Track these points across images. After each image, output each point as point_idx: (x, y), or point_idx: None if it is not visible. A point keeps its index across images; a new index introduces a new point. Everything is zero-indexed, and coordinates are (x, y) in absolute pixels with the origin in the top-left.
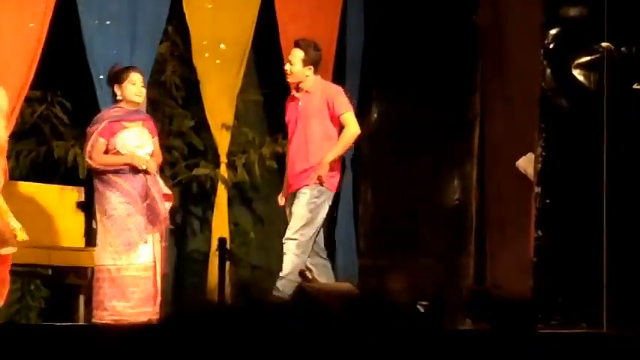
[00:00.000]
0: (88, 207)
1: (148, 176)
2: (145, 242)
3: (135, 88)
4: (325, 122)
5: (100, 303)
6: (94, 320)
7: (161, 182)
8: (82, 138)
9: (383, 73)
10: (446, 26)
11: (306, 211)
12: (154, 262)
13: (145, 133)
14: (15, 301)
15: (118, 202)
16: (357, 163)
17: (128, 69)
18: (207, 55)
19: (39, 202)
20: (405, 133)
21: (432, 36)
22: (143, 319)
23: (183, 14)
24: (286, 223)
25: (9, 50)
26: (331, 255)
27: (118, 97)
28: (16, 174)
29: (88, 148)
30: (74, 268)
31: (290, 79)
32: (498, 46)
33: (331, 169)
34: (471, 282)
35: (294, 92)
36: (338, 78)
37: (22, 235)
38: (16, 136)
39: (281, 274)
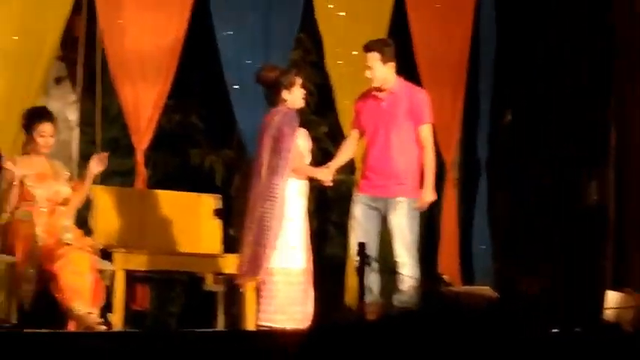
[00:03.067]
0: (225, 213)
1: None
2: (309, 247)
3: (301, 92)
4: (411, 127)
5: (278, 307)
6: (264, 323)
7: None
8: (218, 145)
9: (516, 76)
10: (580, 27)
11: (409, 220)
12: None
13: (308, 136)
14: (156, 307)
15: (300, 207)
16: (491, 168)
17: (292, 72)
18: (340, 62)
19: (177, 209)
20: (540, 135)
21: (566, 37)
22: (306, 324)
23: (316, 21)
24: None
25: (147, 62)
26: (468, 259)
27: (287, 102)
28: (153, 182)
29: (289, 154)
30: (213, 275)
31: (375, 84)
32: (635, 46)
33: (414, 176)
34: (609, 285)
35: (374, 92)
36: (472, 82)
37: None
38: (152, 145)
39: (402, 287)
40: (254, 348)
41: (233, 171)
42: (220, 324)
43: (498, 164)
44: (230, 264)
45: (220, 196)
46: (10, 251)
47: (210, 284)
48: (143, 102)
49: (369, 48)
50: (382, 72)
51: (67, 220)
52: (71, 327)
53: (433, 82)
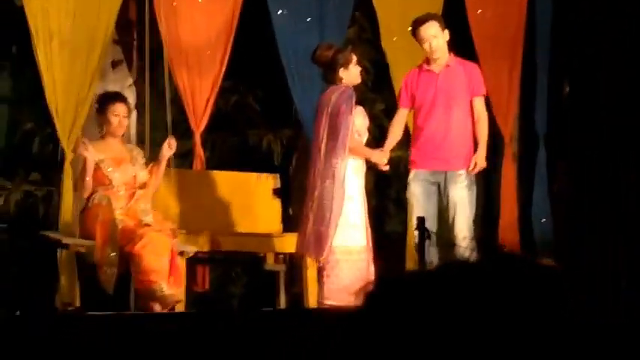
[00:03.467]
0: (284, 193)
1: None
2: (368, 225)
3: (358, 69)
4: (467, 101)
5: (342, 285)
6: (328, 302)
7: None
8: (275, 124)
9: (574, 47)
10: None
11: (470, 192)
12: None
13: (365, 114)
14: (217, 288)
15: (358, 185)
16: (550, 141)
17: (347, 50)
18: (395, 38)
19: (236, 190)
20: (601, 108)
21: (627, 6)
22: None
23: None
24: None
25: (202, 42)
26: (528, 233)
27: (344, 80)
28: (213, 163)
29: (348, 132)
30: (273, 254)
31: (437, 55)
32: None
33: (471, 148)
34: None
35: (426, 66)
36: (528, 55)
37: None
38: (211, 127)
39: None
40: (318, 326)
41: (291, 150)
42: (282, 303)
43: (558, 137)
44: (290, 243)
45: (279, 175)
46: (89, 236)
47: (270, 264)
48: (199, 84)
49: (425, 19)
50: (444, 40)
51: (145, 203)
52: (155, 308)
53: (490, 56)
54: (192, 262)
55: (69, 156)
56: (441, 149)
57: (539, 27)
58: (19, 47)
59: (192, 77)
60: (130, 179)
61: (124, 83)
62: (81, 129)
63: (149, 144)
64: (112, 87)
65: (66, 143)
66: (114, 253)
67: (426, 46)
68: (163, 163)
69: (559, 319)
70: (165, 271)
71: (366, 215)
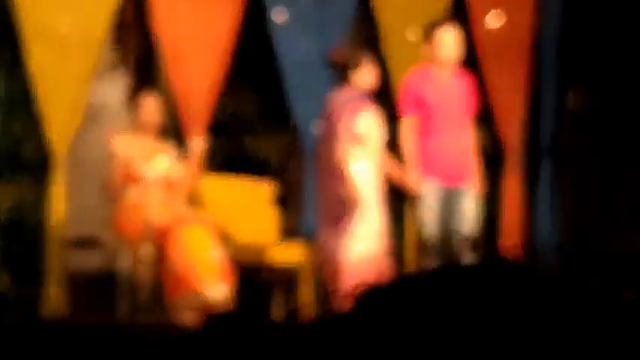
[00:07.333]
0: (281, 200)
1: None
2: (378, 233)
3: (369, 73)
4: (468, 112)
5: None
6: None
7: None
8: (272, 131)
9: (582, 59)
10: None
11: (476, 207)
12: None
13: (379, 119)
14: None
15: (368, 193)
16: (554, 154)
17: (359, 52)
18: (395, 43)
19: (232, 196)
20: (605, 122)
21: (636, 16)
22: None
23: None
24: None
25: (201, 47)
26: (531, 246)
27: (355, 83)
28: (208, 168)
29: (349, 133)
30: (268, 264)
31: (455, 62)
32: None
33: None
34: None
35: (436, 75)
36: (535, 63)
37: None
38: (208, 132)
39: None
40: (315, 337)
41: (289, 156)
42: (277, 314)
43: (563, 147)
44: (286, 253)
45: (276, 182)
46: (122, 236)
47: (266, 273)
48: (196, 89)
49: (444, 23)
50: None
51: (179, 200)
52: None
53: (494, 63)
54: None
55: (61, 160)
56: (452, 164)
57: (546, 36)
58: (10, 46)
59: (189, 81)
60: (162, 175)
61: (119, 85)
62: (75, 132)
63: None
64: (108, 89)
65: (58, 147)
66: (148, 254)
67: (442, 51)
68: (196, 159)
69: (541, 324)
70: (214, 265)
71: (378, 225)
